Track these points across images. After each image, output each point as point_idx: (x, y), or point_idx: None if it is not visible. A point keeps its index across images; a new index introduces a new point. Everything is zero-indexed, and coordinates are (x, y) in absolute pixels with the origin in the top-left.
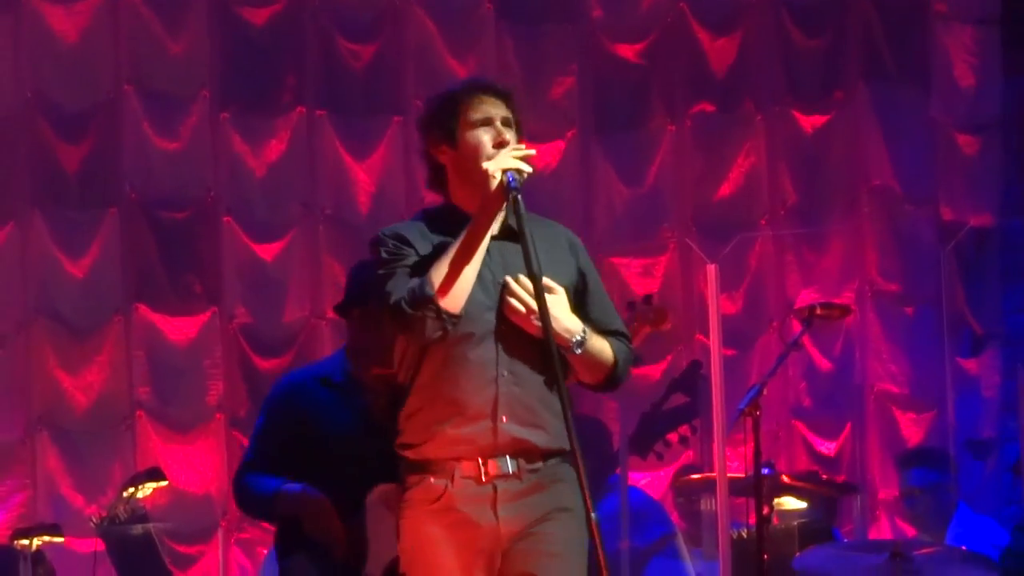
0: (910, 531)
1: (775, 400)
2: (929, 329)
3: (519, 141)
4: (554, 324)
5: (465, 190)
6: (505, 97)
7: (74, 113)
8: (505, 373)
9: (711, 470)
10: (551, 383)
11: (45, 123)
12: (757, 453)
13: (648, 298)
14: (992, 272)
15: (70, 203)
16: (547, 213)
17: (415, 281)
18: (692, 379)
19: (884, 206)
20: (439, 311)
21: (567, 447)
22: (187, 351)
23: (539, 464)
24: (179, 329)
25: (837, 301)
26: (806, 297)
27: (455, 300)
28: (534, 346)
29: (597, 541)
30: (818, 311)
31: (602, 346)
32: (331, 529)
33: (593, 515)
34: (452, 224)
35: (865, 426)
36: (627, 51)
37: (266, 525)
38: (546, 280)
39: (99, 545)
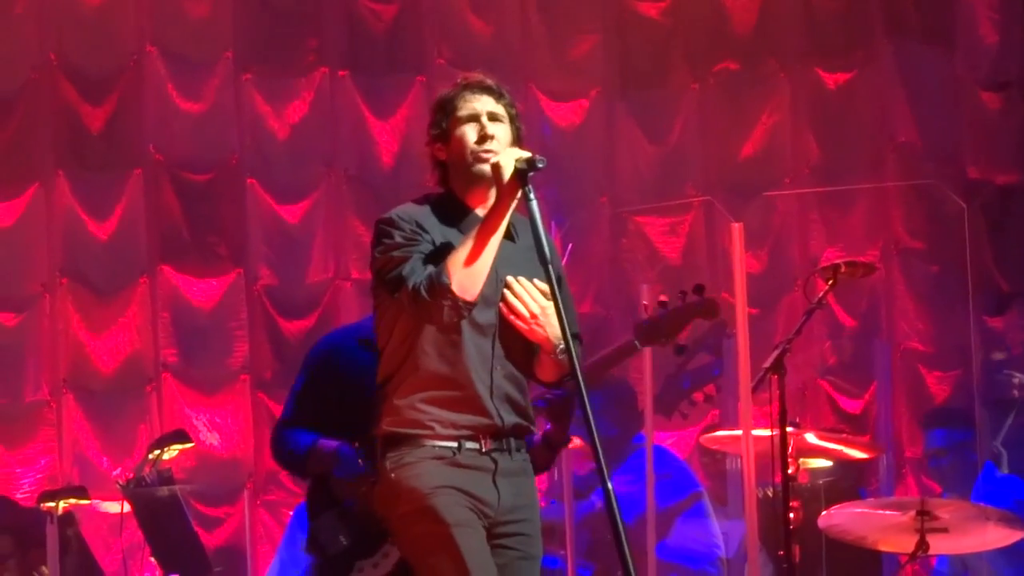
0: (936, 489)
1: (800, 359)
2: (955, 287)
3: (514, 132)
4: (548, 327)
5: (459, 184)
6: (494, 92)
7: (97, 75)
8: (498, 367)
9: (736, 429)
10: (524, 381)
11: (69, 86)
12: (783, 412)
13: (699, 288)
14: (1018, 230)
15: (94, 165)
16: (571, 172)
17: (432, 269)
18: (717, 338)
19: (908, 164)
20: (456, 299)
21: (533, 432)
22: (212, 313)
23: (523, 445)
24: (204, 291)
25: (862, 259)
26: (831, 256)
27: (471, 289)
28: (519, 345)
29: (614, 512)
30: (843, 269)
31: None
32: (360, 486)
33: (609, 486)
34: (457, 219)
35: (891, 385)
36: (650, 9)
37: (292, 486)
38: (540, 284)
39: (125, 507)
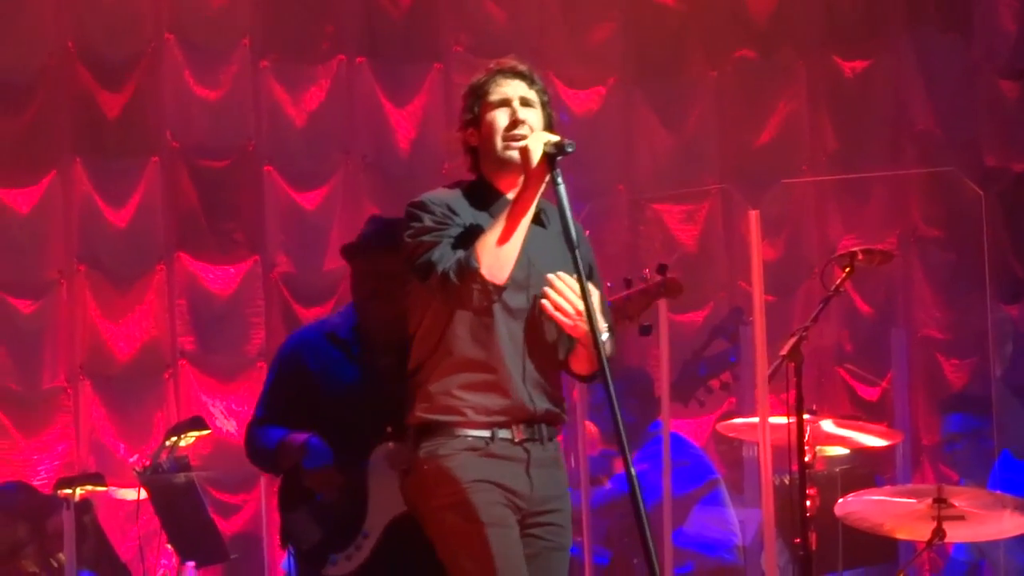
0: (953, 476)
1: (817, 346)
2: (972, 275)
3: (546, 118)
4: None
5: (490, 169)
6: (526, 78)
7: (115, 62)
8: (534, 351)
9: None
10: (555, 366)
11: (86, 72)
12: (799, 399)
13: (662, 267)
14: None
15: (111, 152)
16: (589, 159)
17: (461, 253)
18: (734, 326)
19: (926, 152)
20: (485, 283)
21: (565, 421)
22: (229, 300)
23: (554, 433)
24: (221, 278)
25: (879, 247)
26: (848, 243)
27: (500, 273)
28: (549, 331)
29: (637, 497)
30: (859, 257)
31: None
32: (328, 475)
33: (632, 471)
34: (488, 203)
35: (908, 372)
36: None
37: None
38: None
39: (142, 494)
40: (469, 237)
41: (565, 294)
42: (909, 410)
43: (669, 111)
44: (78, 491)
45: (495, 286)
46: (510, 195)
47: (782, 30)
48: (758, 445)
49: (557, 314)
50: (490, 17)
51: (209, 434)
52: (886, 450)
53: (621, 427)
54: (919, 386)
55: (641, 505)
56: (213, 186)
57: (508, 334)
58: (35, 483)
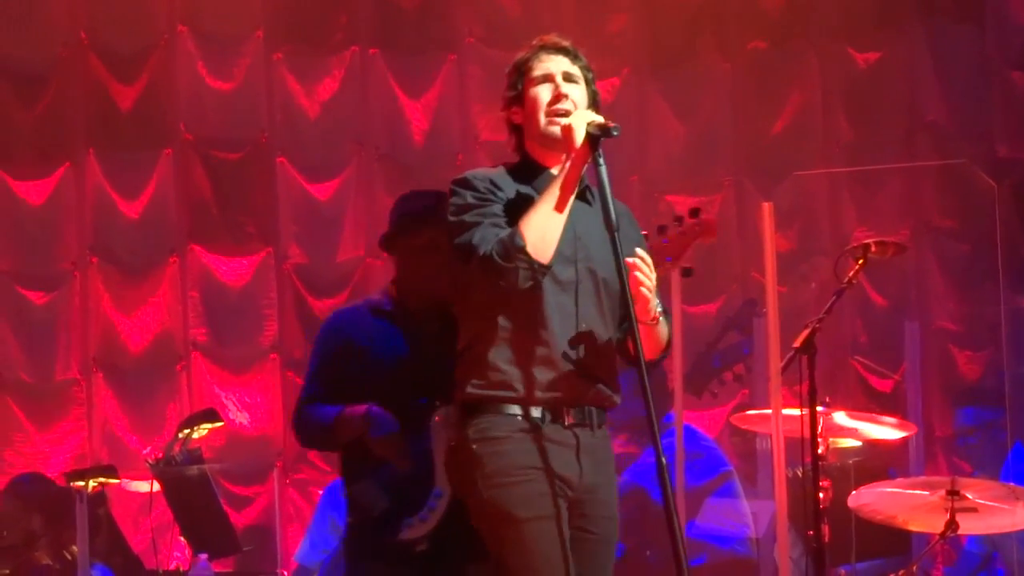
0: (967, 469)
1: (831, 338)
2: (985, 266)
3: (590, 95)
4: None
5: (534, 145)
6: (569, 53)
7: (128, 54)
8: (583, 325)
9: (766, 409)
10: (607, 345)
11: (100, 64)
12: (812, 391)
13: (695, 211)
14: None
15: (124, 144)
16: (602, 150)
17: (505, 233)
18: (747, 317)
19: (939, 143)
20: (531, 261)
21: (616, 404)
22: (242, 292)
23: (604, 419)
24: (234, 270)
25: (892, 239)
26: (861, 235)
27: (545, 251)
28: (603, 305)
29: (667, 487)
30: (872, 249)
31: (664, 325)
32: (397, 443)
33: (663, 460)
34: (532, 177)
35: (921, 364)
36: None
37: (323, 464)
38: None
39: (155, 486)
40: (513, 211)
41: (644, 270)
42: (922, 402)
43: (682, 102)
44: (91, 483)
45: (540, 264)
46: (554, 170)
47: (795, 21)
48: (771, 437)
49: (643, 289)
50: (503, 8)
51: (222, 426)
52: (899, 442)
53: (653, 416)
54: (933, 378)
55: (671, 495)
56: (226, 178)
57: (557, 305)
58: (48, 475)
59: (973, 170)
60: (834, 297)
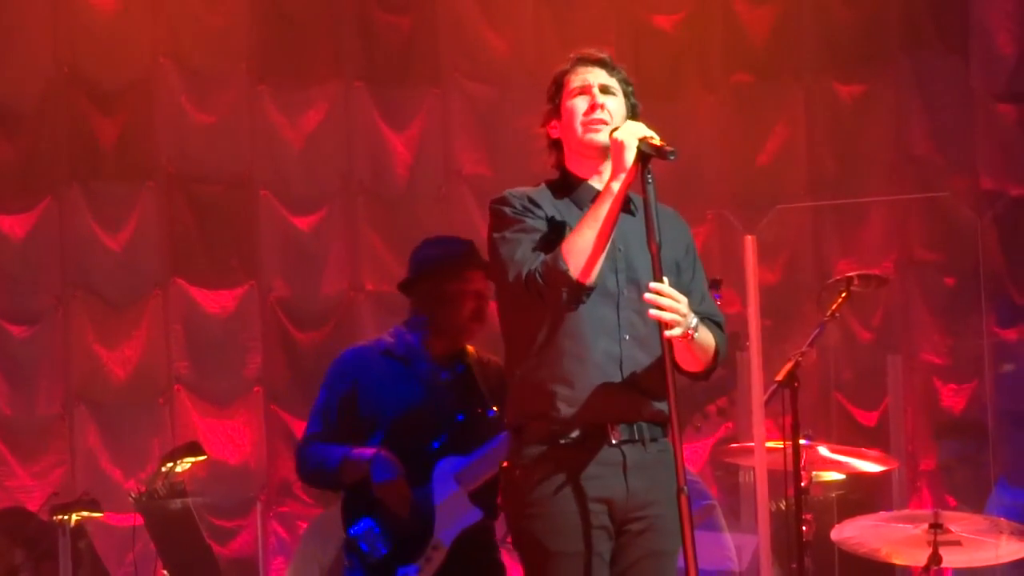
0: (951, 502)
1: (814, 371)
2: (969, 299)
3: (629, 107)
4: (684, 320)
5: (572, 157)
6: (607, 65)
7: (111, 87)
8: (627, 336)
9: (749, 442)
10: (657, 361)
11: (82, 97)
12: (795, 425)
13: (715, 283)
14: None
15: (107, 177)
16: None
17: (548, 256)
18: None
19: (923, 176)
20: (573, 285)
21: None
22: (225, 324)
23: (659, 434)
24: (217, 303)
25: (875, 272)
26: (844, 268)
27: (588, 272)
28: (649, 317)
29: (686, 518)
30: (855, 282)
31: (707, 334)
32: (399, 488)
33: (685, 488)
34: (569, 188)
35: (905, 397)
36: (665, 22)
37: (306, 498)
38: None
39: (138, 520)
40: (552, 228)
41: (660, 303)
42: (906, 435)
43: (666, 135)
44: (74, 517)
45: (584, 287)
46: (593, 181)
47: (780, 54)
48: (754, 470)
49: (665, 316)
50: (488, 43)
51: (205, 459)
52: (883, 475)
53: (676, 426)
54: (917, 410)
55: (690, 522)
56: (209, 211)
57: (598, 317)
58: (30, 509)
59: (956, 203)
60: (817, 330)
